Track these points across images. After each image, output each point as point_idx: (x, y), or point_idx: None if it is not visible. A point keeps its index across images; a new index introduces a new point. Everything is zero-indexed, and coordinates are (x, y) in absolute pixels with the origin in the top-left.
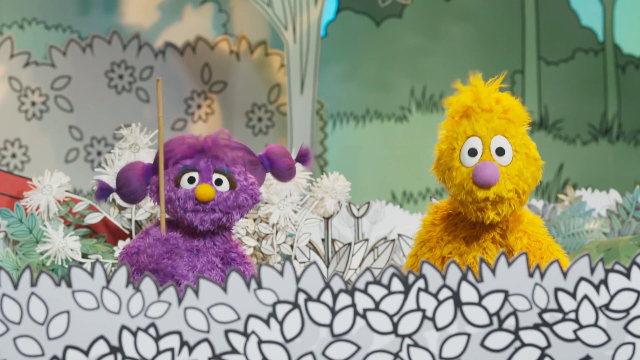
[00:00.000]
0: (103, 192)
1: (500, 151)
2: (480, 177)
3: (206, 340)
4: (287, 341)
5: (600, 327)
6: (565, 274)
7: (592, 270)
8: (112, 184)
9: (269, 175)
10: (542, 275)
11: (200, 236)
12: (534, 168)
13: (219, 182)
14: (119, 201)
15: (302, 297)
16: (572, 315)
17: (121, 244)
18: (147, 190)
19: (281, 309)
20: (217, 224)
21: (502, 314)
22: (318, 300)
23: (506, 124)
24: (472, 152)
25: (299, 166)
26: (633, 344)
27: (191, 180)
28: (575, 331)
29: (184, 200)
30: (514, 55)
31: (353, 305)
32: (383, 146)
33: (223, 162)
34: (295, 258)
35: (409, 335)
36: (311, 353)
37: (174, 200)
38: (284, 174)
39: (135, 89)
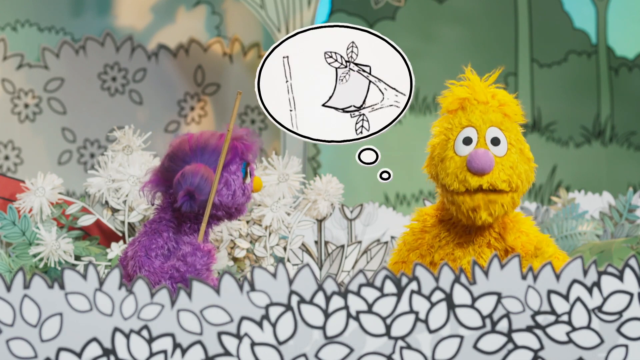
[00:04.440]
0: (190, 199)
1: (495, 141)
2: (475, 163)
3: (199, 342)
4: (280, 343)
5: (593, 330)
6: (558, 277)
7: (585, 272)
8: (107, 185)
9: (264, 178)
10: (535, 278)
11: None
12: (527, 167)
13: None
14: (112, 204)
15: (295, 299)
16: (565, 318)
17: (114, 246)
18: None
19: (274, 311)
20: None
21: (495, 316)
22: (311, 302)
23: (502, 117)
24: (467, 141)
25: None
26: (626, 346)
27: (250, 174)
28: (568, 333)
29: (249, 193)
30: (507, 57)
31: (346, 307)
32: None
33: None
34: (288, 260)
35: (402, 338)
36: (304, 355)
37: (239, 195)
38: None
39: (129, 91)
